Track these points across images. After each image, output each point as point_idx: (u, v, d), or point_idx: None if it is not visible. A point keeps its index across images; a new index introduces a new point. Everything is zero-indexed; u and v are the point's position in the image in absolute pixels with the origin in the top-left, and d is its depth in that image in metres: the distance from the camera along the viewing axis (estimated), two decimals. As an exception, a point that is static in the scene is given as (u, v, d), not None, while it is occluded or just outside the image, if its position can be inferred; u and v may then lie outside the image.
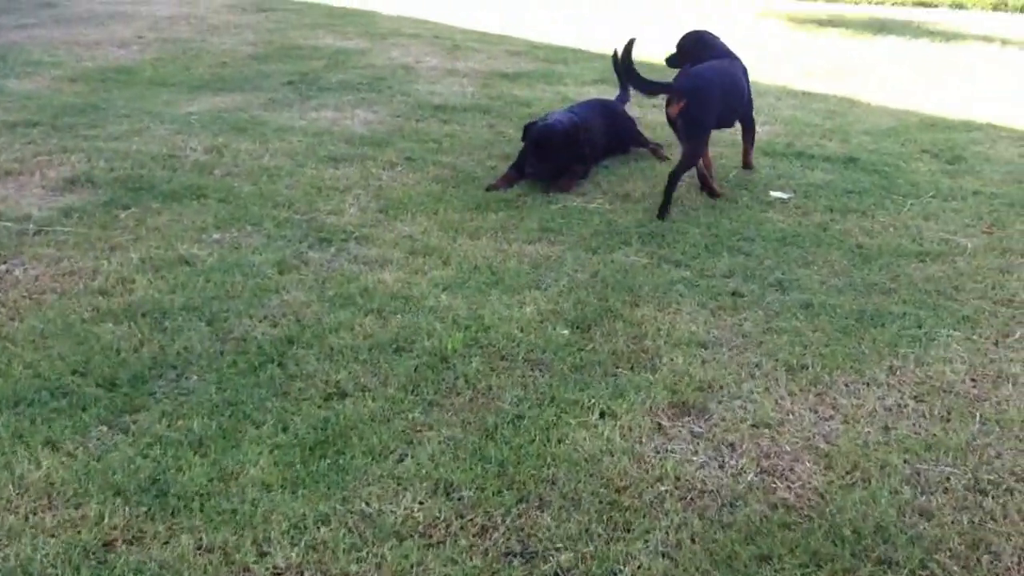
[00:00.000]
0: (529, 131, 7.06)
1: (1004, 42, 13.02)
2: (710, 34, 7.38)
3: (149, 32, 11.97)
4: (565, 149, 6.96)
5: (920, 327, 5.09)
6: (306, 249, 5.78)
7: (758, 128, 8.37)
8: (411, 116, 8.54)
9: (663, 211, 6.47)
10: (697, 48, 7.21)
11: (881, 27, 13.89)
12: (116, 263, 5.55)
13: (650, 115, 8.70)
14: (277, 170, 7.04)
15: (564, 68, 10.58)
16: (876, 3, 16.44)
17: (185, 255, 5.65)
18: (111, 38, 11.52)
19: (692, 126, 6.61)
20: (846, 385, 4.53)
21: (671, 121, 6.73)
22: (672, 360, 4.69)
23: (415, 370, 4.51)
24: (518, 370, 4.56)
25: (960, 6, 16.41)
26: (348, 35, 12.02)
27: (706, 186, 6.94)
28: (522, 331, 4.91)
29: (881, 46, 12.52)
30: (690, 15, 13.52)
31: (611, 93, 9.41)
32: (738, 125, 7.34)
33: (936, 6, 16.40)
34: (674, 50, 7.39)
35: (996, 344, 4.96)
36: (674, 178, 6.54)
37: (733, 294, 5.40)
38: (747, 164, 7.52)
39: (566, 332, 4.92)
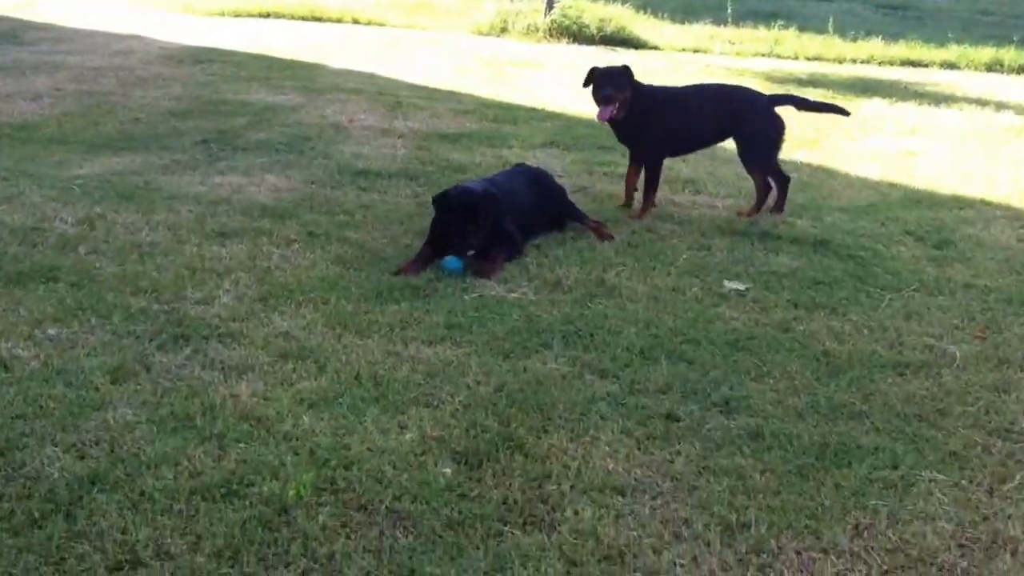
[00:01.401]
0: (439, 201, 6.06)
1: (999, 106, 12.05)
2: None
3: (70, 84, 11.00)
4: (483, 218, 5.96)
5: (896, 467, 4.09)
6: (154, 350, 4.74)
7: (718, 203, 7.50)
8: (327, 182, 7.54)
9: None
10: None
11: (865, 88, 12.95)
12: (-85, 366, 4.51)
13: (599, 184, 7.70)
14: (152, 247, 6.02)
15: (512, 129, 9.61)
16: (862, 62, 15.53)
17: (5, 357, 4.60)
18: (26, 90, 10.55)
19: None
20: (797, 553, 3.53)
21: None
22: (577, 514, 3.67)
23: (242, 527, 3.48)
24: (376, 528, 3.54)
25: (952, 66, 15.49)
26: (283, 89, 11.06)
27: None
28: (394, 468, 3.89)
29: (865, 110, 11.56)
30: (663, 76, 12.59)
31: (562, 156, 8.51)
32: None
33: (926, 65, 15.48)
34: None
35: (990, 493, 3.96)
36: None
37: (667, 417, 4.38)
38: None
39: (448, 471, 3.89)
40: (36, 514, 3.46)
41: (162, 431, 4.04)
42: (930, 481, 3.99)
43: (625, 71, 7.07)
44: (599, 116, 7.04)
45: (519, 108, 10.68)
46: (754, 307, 5.65)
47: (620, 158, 7.88)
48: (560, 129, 9.73)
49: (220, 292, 5.44)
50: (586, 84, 7.09)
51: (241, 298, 5.39)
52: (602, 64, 7.27)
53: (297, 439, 4.04)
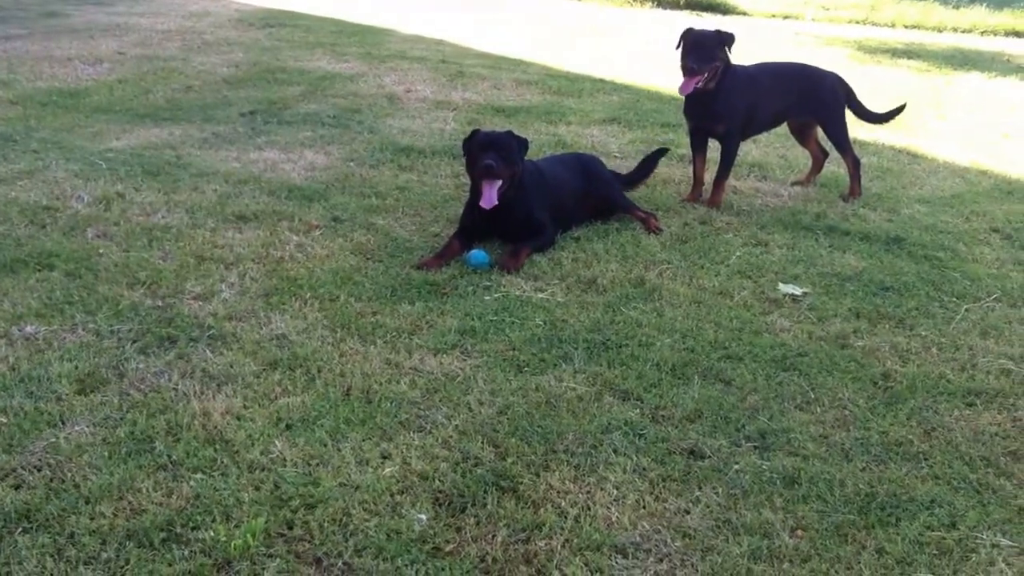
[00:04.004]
0: (475, 135, 5.70)
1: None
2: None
3: (134, 48, 10.73)
4: (518, 155, 5.58)
5: (953, 525, 3.50)
6: (134, 354, 4.31)
7: (783, 191, 6.88)
8: (366, 160, 7.09)
9: None
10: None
11: (964, 60, 12.12)
12: None
13: (656, 168, 7.11)
14: (164, 231, 5.62)
15: (574, 103, 9.05)
16: (963, 31, 14.61)
17: (-31, 360, 4.20)
18: (89, 54, 10.29)
19: None
20: (821, 641, 2.97)
21: None
22: (565, 579, 3.15)
23: (173, 584, 3.02)
24: (327, 589, 3.05)
25: (1064, 38, 14.54)
26: (346, 57, 10.63)
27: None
28: (364, 510, 3.40)
29: (960, 85, 10.76)
30: (752, 43, 11.88)
31: (621, 134, 7.95)
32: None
33: (1032, 35, 14.56)
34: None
35: (1067, 566, 3.34)
36: None
37: (690, 453, 3.84)
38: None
39: (424, 517, 3.39)
40: (-61, 562, 3.04)
41: (115, 456, 3.60)
42: (993, 547, 3.40)
43: (720, 36, 6.41)
44: (681, 89, 6.38)
45: (586, 79, 10.11)
46: (809, 316, 5.06)
47: (683, 138, 7.28)
48: (625, 103, 9.14)
49: (223, 286, 5.02)
50: (678, 46, 6.45)
51: (244, 293, 4.96)
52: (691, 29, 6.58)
53: (263, 469, 3.58)
